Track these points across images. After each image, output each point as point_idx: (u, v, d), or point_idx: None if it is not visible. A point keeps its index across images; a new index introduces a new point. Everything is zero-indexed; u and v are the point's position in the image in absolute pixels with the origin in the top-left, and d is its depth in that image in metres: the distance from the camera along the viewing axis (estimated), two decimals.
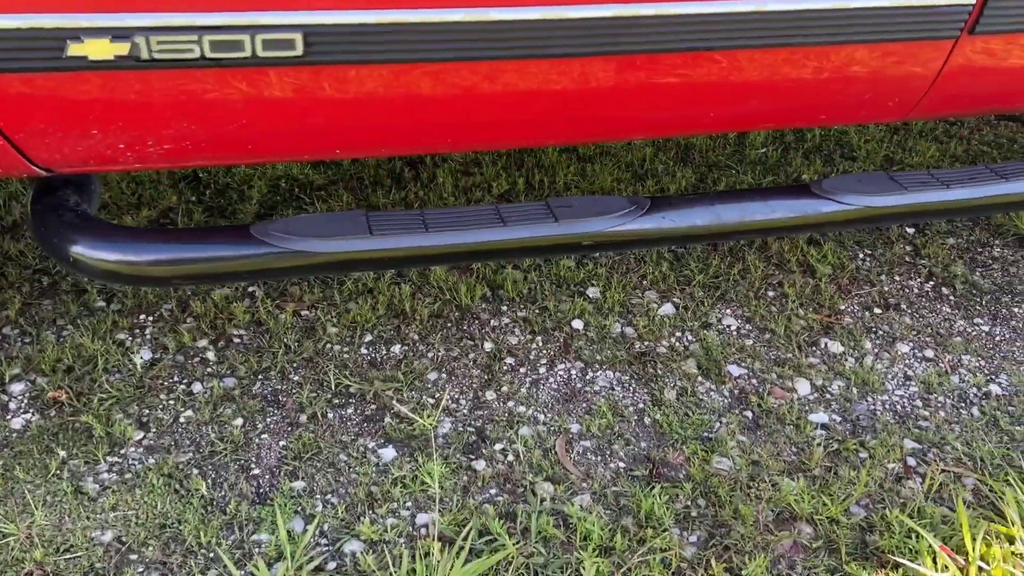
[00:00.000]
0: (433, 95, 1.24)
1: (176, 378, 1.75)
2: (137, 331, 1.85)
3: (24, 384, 1.70)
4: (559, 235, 1.42)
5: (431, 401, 1.74)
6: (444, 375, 1.81)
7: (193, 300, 1.92)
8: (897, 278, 2.18)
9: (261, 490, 1.54)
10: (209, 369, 1.78)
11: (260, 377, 1.77)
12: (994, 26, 1.38)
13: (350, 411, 1.71)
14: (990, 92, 1.51)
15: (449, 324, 1.94)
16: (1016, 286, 2.17)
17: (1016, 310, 2.09)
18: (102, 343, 1.79)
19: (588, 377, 1.83)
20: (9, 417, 1.64)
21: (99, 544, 1.42)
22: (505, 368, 1.84)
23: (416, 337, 1.90)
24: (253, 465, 1.59)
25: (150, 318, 1.89)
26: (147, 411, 1.67)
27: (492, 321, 1.96)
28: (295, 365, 1.80)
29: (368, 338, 1.89)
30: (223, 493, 1.53)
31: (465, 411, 1.73)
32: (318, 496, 1.53)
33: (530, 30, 1.20)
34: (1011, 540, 1.46)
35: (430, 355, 1.85)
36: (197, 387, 1.73)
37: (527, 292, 2.04)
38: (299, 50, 1.14)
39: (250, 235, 1.31)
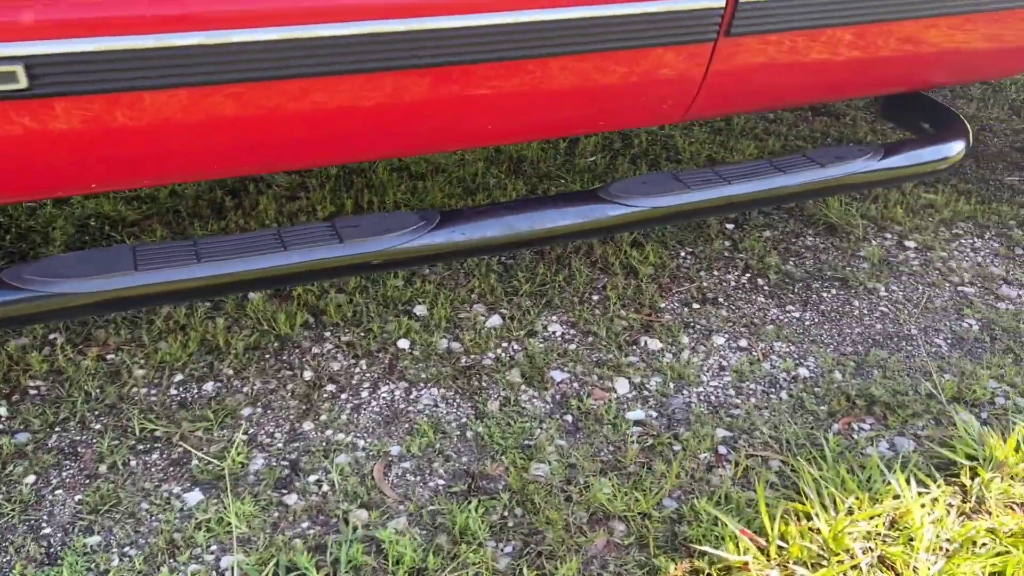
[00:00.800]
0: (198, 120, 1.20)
1: None
2: None
3: None
4: (345, 256, 1.40)
5: (244, 438, 1.68)
6: (260, 409, 1.75)
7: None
8: (716, 273, 2.26)
9: (51, 550, 1.44)
10: (0, 426, 1.66)
11: (57, 429, 1.66)
12: (747, 28, 1.45)
13: (155, 456, 1.63)
14: (756, 89, 1.59)
15: (267, 355, 1.88)
16: (826, 272, 2.29)
17: (824, 295, 2.20)
18: None
19: (412, 396, 1.81)
20: None
21: None
22: (325, 396, 1.79)
23: (231, 372, 1.83)
24: (44, 524, 1.48)
25: None
26: None
27: (314, 348, 1.91)
28: (96, 413, 1.70)
29: (178, 378, 1.81)
30: (8, 558, 1.42)
31: (280, 444, 1.67)
32: (115, 550, 1.45)
33: (196, 56, 1.17)
34: (808, 517, 1.52)
35: (245, 390, 1.79)
36: None
37: (352, 315, 2.01)
38: (22, 83, 1.08)
39: (1, 281, 1.23)
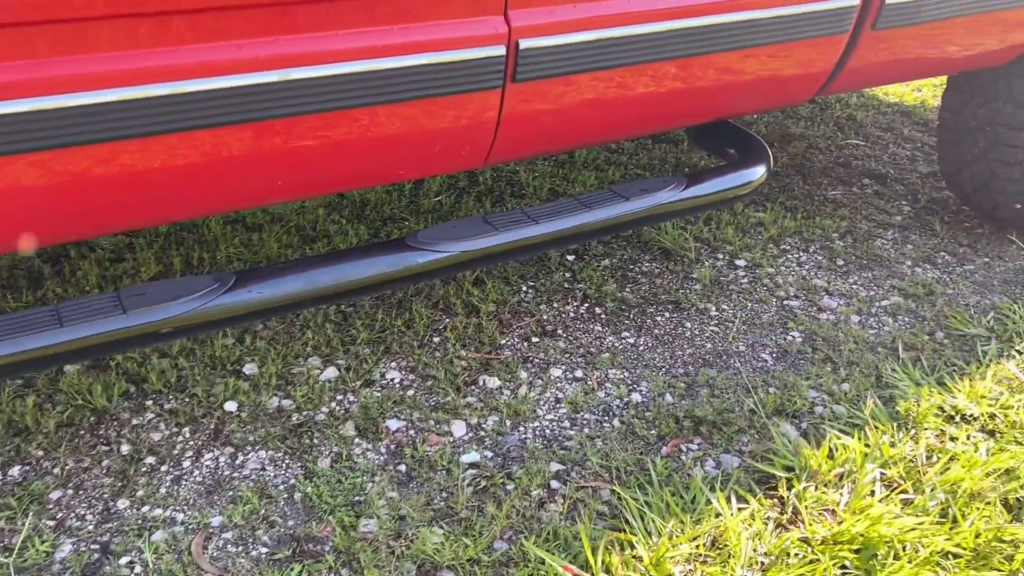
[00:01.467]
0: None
1: None
2: None
3: None
4: (130, 327, 1.34)
5: (51, 524, 1.58)
6: (70, 490, 1.65)
7: None
8: (555, 305, 2.29)
9: None
10: None
11: None
12: (531, 74, 1.49)
13: None
14: (550, 132, 1.62)
15: (82, 431, 1.78)
16: (660, 296, 2.36)
17: (658, 319, 2.27)
18: None
19: (237, 462, 1.75)
20: None
21: None
22: (143, 469, 1.71)
23: (40, 453, 1.72)
24: None
25: None
26: None
27: (133, 420, 1.83)
28: None
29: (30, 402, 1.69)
30: None
31: (91, 527, 1.58)
32: None
33: None
34: (632, 545, 1.54)
35: (55, 471, 1.69)
36: None
37: (176, 380, 1.93)
38: None
39: None
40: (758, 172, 1.95)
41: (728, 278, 2.45)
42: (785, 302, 2.37)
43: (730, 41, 1.70)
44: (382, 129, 1.41)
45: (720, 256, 2.56)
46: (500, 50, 1.43)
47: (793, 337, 2.22)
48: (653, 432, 1.88)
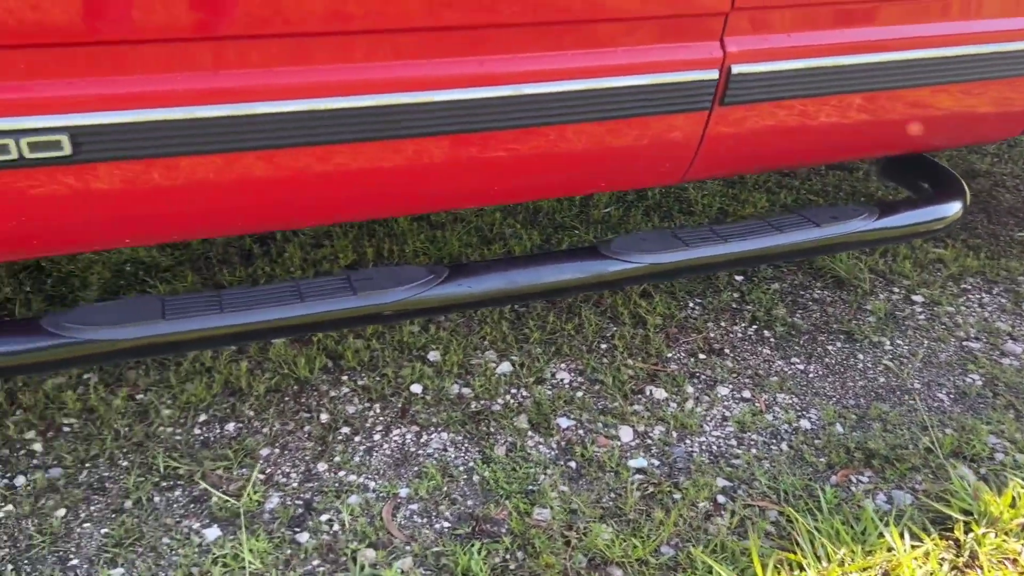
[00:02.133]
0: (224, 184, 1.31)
1: None
2: None
3: None
4: (358, 307, 1.49)
5: (261, 477, 1.76)
6: (277, 450, 1.84)
7: (22, 392, 1.91)
8: (723, 324, 2.32)
9: None
10: (35, 461, 1.77)
11: (87, 465, 1.76)
12: (739, 98, 1.54)
13: (177, 493, 1.72)
14: (748, 154, 1.67)
15: (287, 398, 1.97)
16: (832, 325, 2.34)
17: (830, 347, 2.25)
18: None
19: (422, 440, 1.88)
20: None
21: None
22: (340, 438, 1.88)
23: (252, 414, 1.92)
24: (72, 555, 1.57)
25: None
26: None
27: (331, 392, 2.00)
28: (124, 450, 1.80)
29: (202, 418, 1.90)
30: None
31: (295, 484, 1.75)
32: None
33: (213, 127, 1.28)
34: (800, 567, 1.56)
35: (264, 431, 1.88)
36: (20, 480, 1.72)
37: (368, 360, 2.10)
38: (67, 150, 1.19)
39: (41, 328, 1.34)
40: (953, 208, 1.91)
41: (904, 313, 2.40)
42: (965, 343, 2.30)
43: (937, 75, 1.69)
44: (592, 143, 1.50)
45: (896, 290, 2.50)
46: (713, 74, 1.49)
47: (973, 380, 2.16)
48: (822, 460, 1.88)
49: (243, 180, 1.32)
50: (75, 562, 1.57)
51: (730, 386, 2.10)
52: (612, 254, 1.64)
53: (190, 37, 1.20)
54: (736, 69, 1.51)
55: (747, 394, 2.08)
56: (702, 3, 1.43)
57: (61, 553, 1.58)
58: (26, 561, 1.56)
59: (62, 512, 1.66)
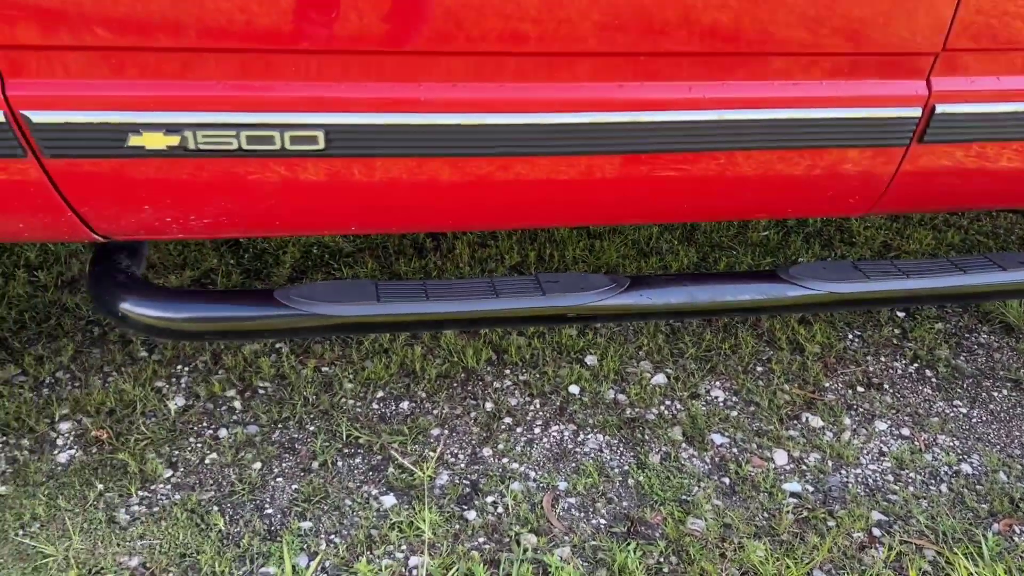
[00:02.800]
0: (440, 183, 1.45)
1: (205, 424, 1.94)
2: (174, 380, 2.06)
3: (71, 423, 1.91)
4: (546, 307, 1.59)
5: (432, 455, 1.90)
6: (446, 431, 1.97)
7: (225, 354, 2.12)
8: (883, 359, 2.30)
9: (272, 528, 1.70)
10: (235, 417, 1.97)
11: (280, 426, 1.95)
12: (938, 137, 1.55)
13: (357, 460, 1.88)
14: (938, 192, 1.67)
15: (455, 384, 2.11)
16: (998, 371, 2.28)
17: (995, 394, 2.19)
18: (142, 389, 2.00)
19: (579, 439, 1.98)
20: (56, 452, 1.83)
21: (126, 568, 1.59)
22: (503, 427, 1.99)
23: (424, 395, 2.07)
24: (267, 505, 1.75)
25: (186, 368, 2.09)
26: (177, 452, 1.85)
27: (495, 383, 2.12)
28: (312, 416, 1.98)
29: (380, 394, 2.06)
30: (238, 529, 1.69)
31: (463, 465, 1.88)
32: (323, 536, 1.69)
33: (519, 132, 1.40)
34: None
35: (435, 412, 2.02)
36: (223, 432, 1.92)
37: (529, 357, 2.21)
38: (321, 144, 1.35)
39: (274, 298, 1.51)
40: None
41: None
42: None
43: None
44: (790, 171, 1.55)
45: None
46: (916, 112, 1.51)
47: None
48: (984, 506, 1.85)
49: (465, 182, 1.45)
50: (270, 511, 1.74)
51: (888, 422, 2.08)
52: (791, 279, 1.68)
53: (426, 51, 1.32)
54: (940, 108, 1.52)
55: (906, 432, 2.06)
56: (913, 43, 1.45)
57: (258, 502, 1.76)
58: (229, 505, 1.75)
59: (258, 465, 1.84)
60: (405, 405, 2.04)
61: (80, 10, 1.19)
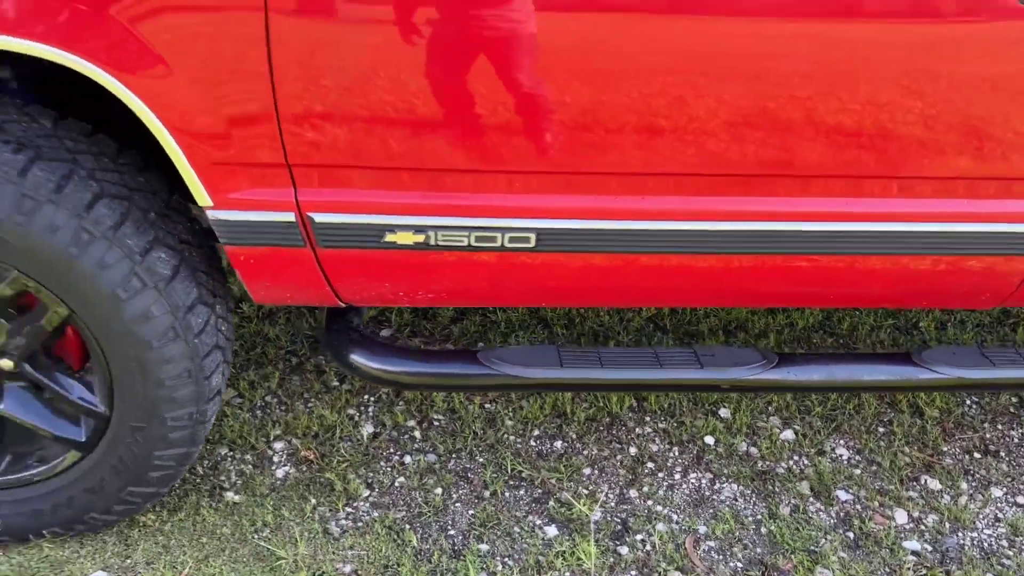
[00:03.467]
0: (629, 273, 1.73)
1: (392, 450, 2.27)
2: (362, 408, 2.41)
3: (283, 443, 2.27)
4: (703, 379, 1.85)
5: (585, 492, 2.18)
6: (596, 471, 2.25)
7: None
8: (1000, 427, 2.45)
9: (456, 547, 2.02)
10: (416, 445, 2.30)
11: (454, 456, 2.27)
12: None
13: (521, 492, 2.18)
14: None
15: (601, 428, 2.39)
16: None
17: None
18: (337, 416, 2.35)
19: (716, 487, 2.22)
20: (274, 468, 2.20)
21: (342, 574, 1.93)
22: (647, 471, 2.26)
23: (574, 436, 2.35)
24: (450, 527, 2.07)
25: (371, 398, 2.44)
26: (371, 474, 2.19)
27: (637, 428, 2.39)
28: (480, 449, 2.29)
29: (536, 432, 2.36)
30: (428, 546, 2.01)
31: (612, 503, 2.16)
32: (498, 558, 2.00)
33: (694, 236, 1.66)
34: None
35: (585, 452, 2.30)
36: (408, 459, 2.25)
37: (667, 406, 2.46)
38: (532, 243, 1.65)
39: (477, 359, 1.82)
40: None
41: None
42: None
43: None
44: (935, 271, 1.75)
45: None
46: None
47: None
48: None
49: (639, 272, 1.72)
50: (452, 532, 2.06)
51: (1004, 489, 2.25)
52: (923, 363, 1.88)
53: (620, 172, 1.60)
54: None
55: (1021, 500, 2.22)
56: None
57: (442, 523, 2.08)
58: (419, 524, 2.07)
59: (439, 491, 2.16)
60: (558, 444, 2.33)
61: (354, 145, 1.52)
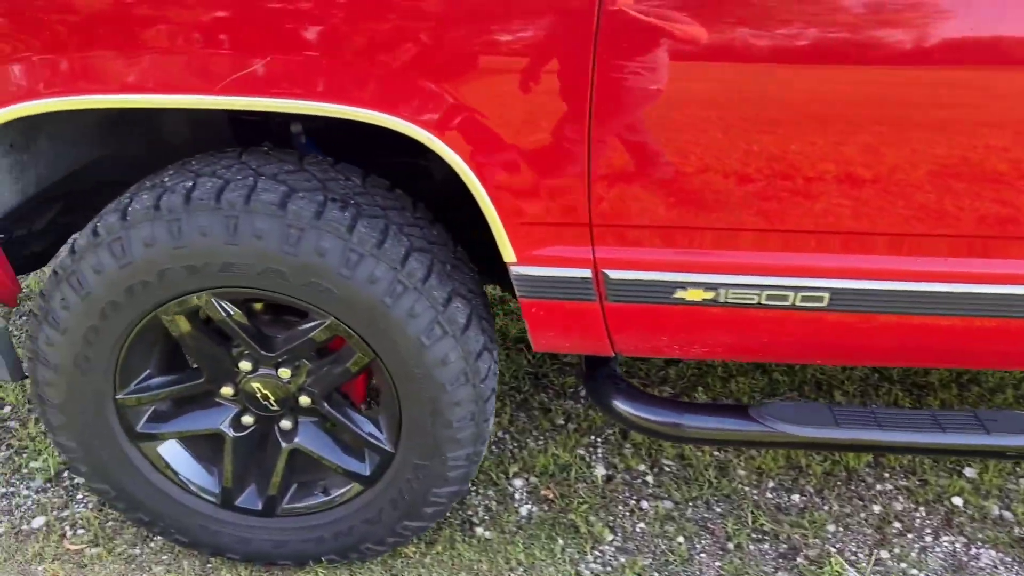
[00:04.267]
0: (910, 333, 1.69)
1: (627, 494, 2.30)
2: (591, 448, 2.44)
3: (522, 480, 2.33)
4: (988, 445, 1.78)
5: (833, 550, 2.13)
6: (841, 528, 2.19)
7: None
8: None
9: None
10: (650, 491, 2.31)
11: (690, 504, 2.27)
12: None
13: (766, 546, 2.15)
14: None
15: (839, 483, 2.33)
16: None
17: None
18: (570, 455, 2.39)
19: (972, 552, 2.12)
20: (516, 504, 2.26)
21: None
22: (894, 531, 2.18)
23: (812, 490, 2.30)
24: None
25: (598, 439, 2.47)
26: (611, 518, 2.22)
27: (877, 486, 2.32)
28: (716, 498, 2.28)
29: (771, 484, 2.32)
30: None
31: (863, 564, 2.09)
32: None
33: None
34: None
35: (826, 507, 2.25)
36: (645, 504, 2.27)
37: (906, 463, 2.37)
38: (824, 303, 1.64)
39: (748, 414, 1.82)
40: None
41: None
42: None
43: None
44: None
45: None
46: None
47: None
48: None
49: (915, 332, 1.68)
50: None
51: None
52: None
53: (920, 233, 1.57)
54: None
55: None
56: None
57: (688, 574, 2.08)
58: (666, 574, 2.07)
59: (681, 540, 2.16)
60: (796, 498, 2.28)
61: (653, 205, 1.56)
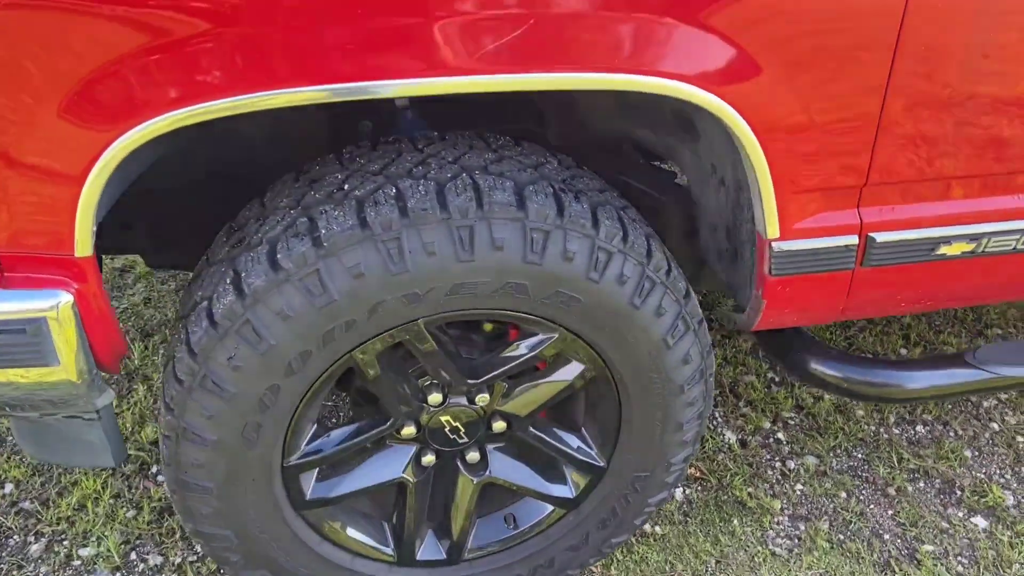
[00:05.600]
0: None
1: (767, 456, 2.18)
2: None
3: None
4: None
5: (982, 476, 2.14)
6: (976, 452, 2.21)
7: (740, 387, 2.36)
8: None
9: (905, 553, 1.95)
10: (787, 449, 2.21)
11: (832, 455, 2.19)
12: None
13: (922, 485, 2.12)
14: None
15: (948, 406, 2.34)
16: None
17: None
18: None
19: None
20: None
21: None
22: (1022, 445, 2.23)
23: (930, 418, 2.30)
24: (883, 531, 2.00)
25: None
26: (767, 485, 2.10)
27: (983, 403, 2.35)
28: (852, 443, 2.22)
29: (892, 419, 2.30)
30: (878, 556, 1.94)
31: (1014, 486, 2.12)
32: (951, 558, 1.94)
33: None
34: None
35: (952, 434, 2.26)
36: (791, 464, 2.16)
37: None
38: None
39: (964, 362, 1.73)
40: None
41: None
42: None
43: None
44: None
45: None
46: None
47: None
48: None
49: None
50: (887, 537, 1.99)
51: None
52: None
53: None
54: None
55: None
56: None
57: (872, 529, 2.00)
58: (852, 534, 1.99)
59: (843, 495, 2.09)
60: (920, 429, 2.27)
61: (928, 161, 1.39)
